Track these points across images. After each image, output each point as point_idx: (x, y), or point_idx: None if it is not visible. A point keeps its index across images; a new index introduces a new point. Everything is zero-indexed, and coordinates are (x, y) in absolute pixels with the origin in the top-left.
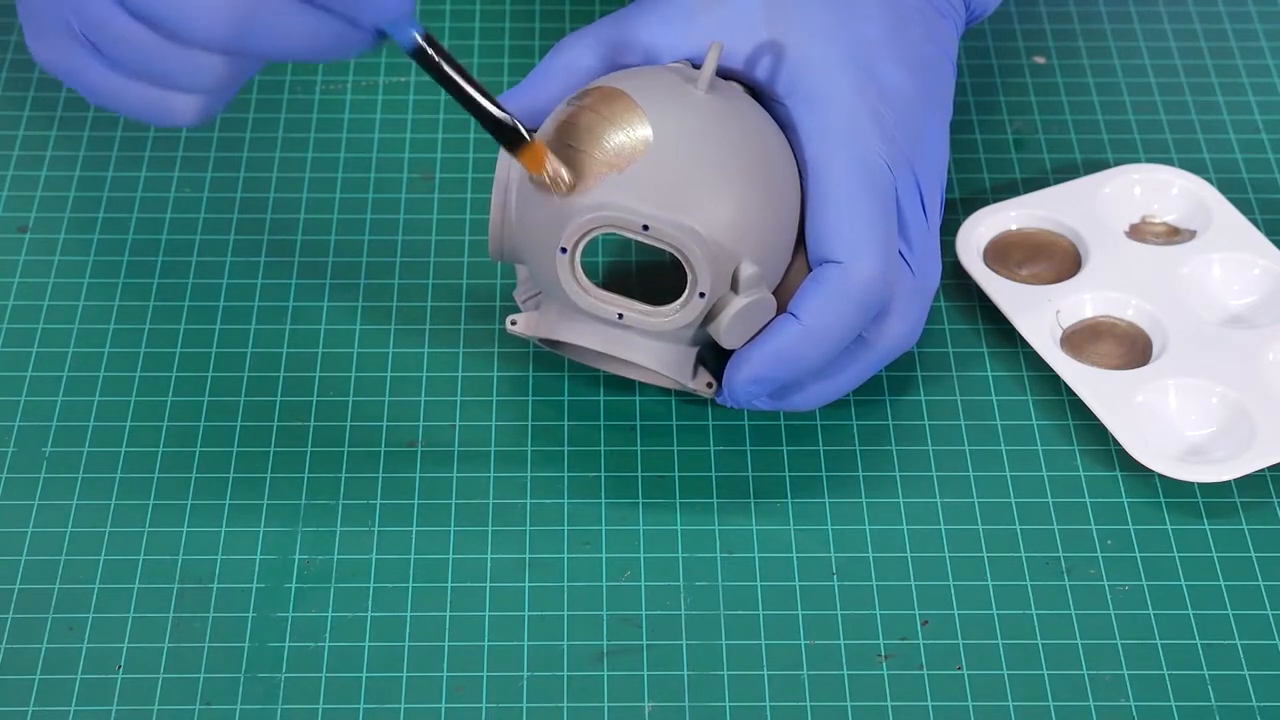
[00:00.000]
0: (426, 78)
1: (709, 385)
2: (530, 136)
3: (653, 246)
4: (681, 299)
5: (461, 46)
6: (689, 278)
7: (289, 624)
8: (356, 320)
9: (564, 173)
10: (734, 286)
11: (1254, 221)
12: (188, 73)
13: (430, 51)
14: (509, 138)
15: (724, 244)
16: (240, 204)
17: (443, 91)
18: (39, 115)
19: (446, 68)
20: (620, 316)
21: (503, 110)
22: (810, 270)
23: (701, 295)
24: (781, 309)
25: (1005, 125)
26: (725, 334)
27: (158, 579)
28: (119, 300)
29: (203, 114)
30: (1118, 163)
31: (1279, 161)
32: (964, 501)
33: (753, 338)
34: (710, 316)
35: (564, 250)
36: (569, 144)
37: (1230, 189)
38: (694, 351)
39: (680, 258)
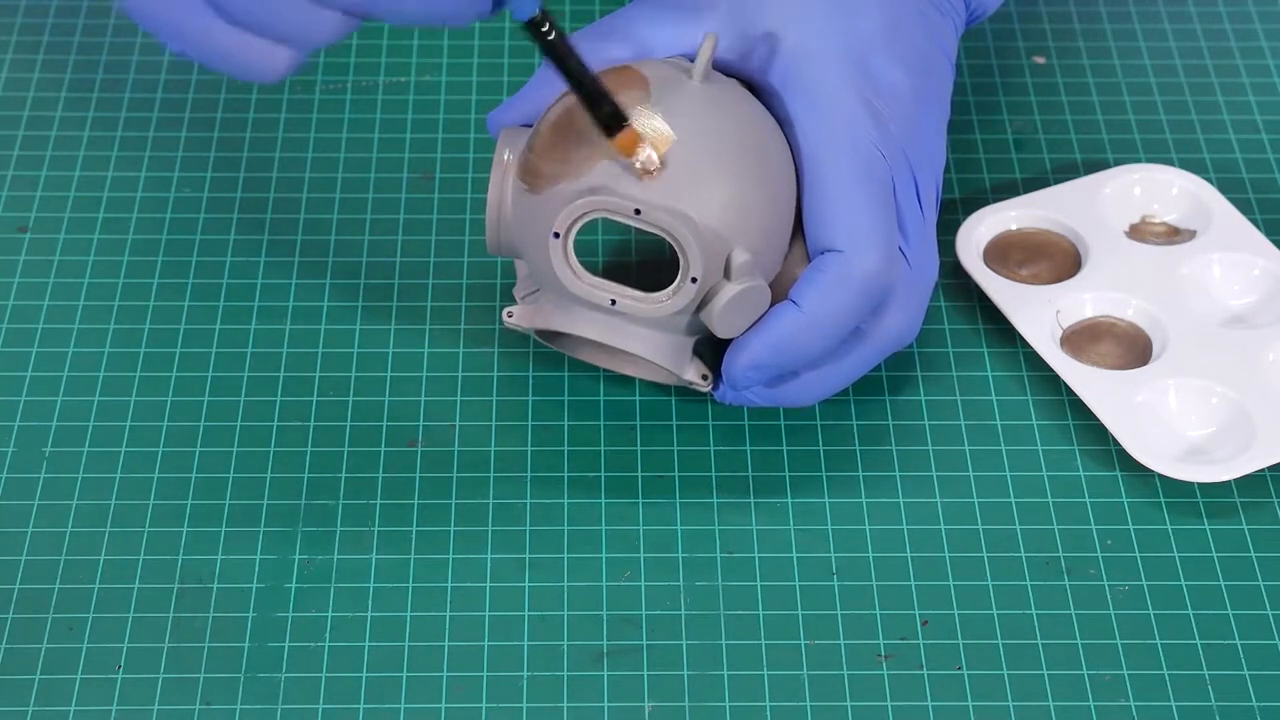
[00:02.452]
0: (426, 78)
1: (704, 378)
2: (628, 122)
3: (648, 235)
4: (674, 285)
5: (461, 46)
6: (681, 263)
7: (289, 624)
8: (356, 320)
9: (655, 157)
10: (727, 274)
11: (1254, 221)
12: (303, 26)
13: (545, 27)
14: (608, 121)
15: (717, 230)
16: (240, 204)
17: (443, 91)
18: (39, 115)
19: (556, 43)
20: (613, 303)
21: (606, 93)
22: (809, 260)
23: (694, 281)
24: (781, 298)
25: (1005, 125)
26: (718, 321)
27: (158, 579)
28: (119, 300)
29: (294, 68)
30: (1118, 163)
31: (1279, 161)
32: (964, 501)
33: (752, 325)
34: (703, 303)
35: (556, 235)
36: (567, 132)
37: (1230, 189)
38: (689, 342)
39: (672, 243)
